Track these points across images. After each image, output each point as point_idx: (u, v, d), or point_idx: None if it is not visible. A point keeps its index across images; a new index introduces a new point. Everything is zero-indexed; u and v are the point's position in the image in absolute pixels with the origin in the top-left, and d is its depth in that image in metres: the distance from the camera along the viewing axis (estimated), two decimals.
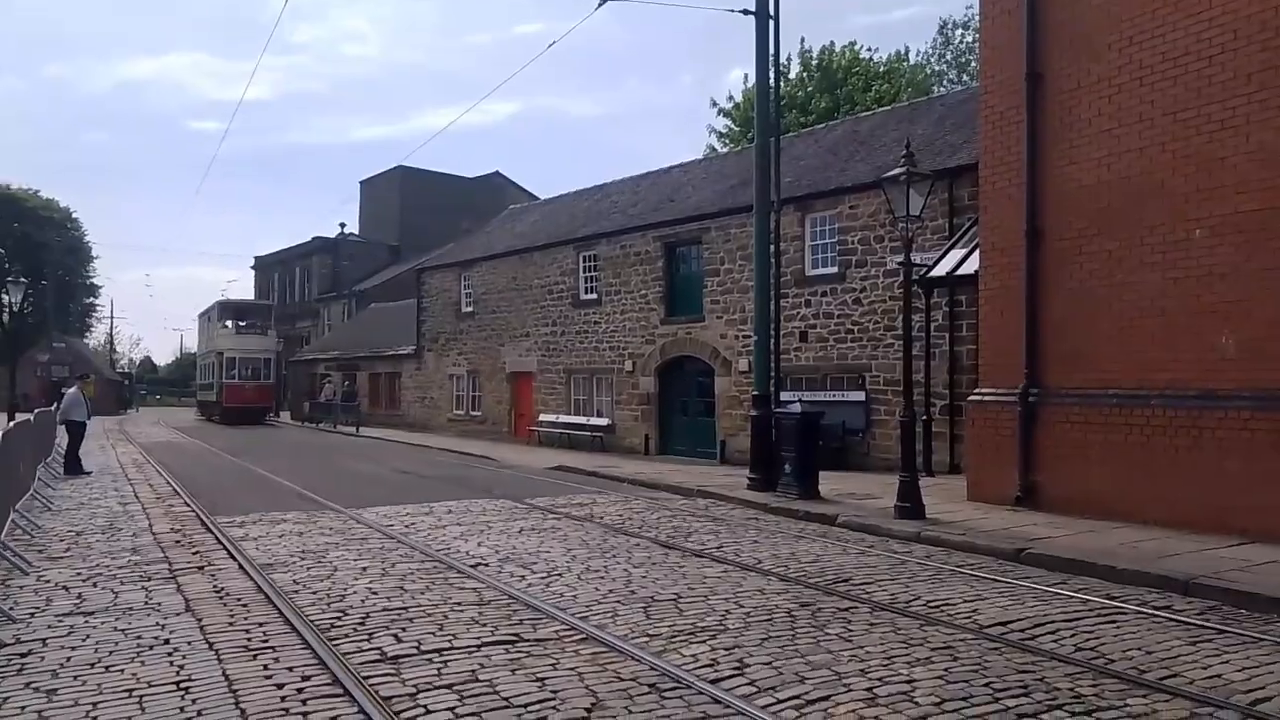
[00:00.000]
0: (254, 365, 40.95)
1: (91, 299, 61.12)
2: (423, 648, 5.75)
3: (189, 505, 12.39)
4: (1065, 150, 11.34)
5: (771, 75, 15.11)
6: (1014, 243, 11.82)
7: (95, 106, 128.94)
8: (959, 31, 41.57)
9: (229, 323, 42.59)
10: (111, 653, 5.63)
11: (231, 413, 38.92)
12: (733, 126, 39.01)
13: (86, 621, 6.35)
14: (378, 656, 5.58)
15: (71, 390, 17.57)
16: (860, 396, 17.51)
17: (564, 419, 25.20)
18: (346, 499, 12.96)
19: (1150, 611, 6.82)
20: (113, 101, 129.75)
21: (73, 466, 16.43)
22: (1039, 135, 11.59)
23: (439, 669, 5.34)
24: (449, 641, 5.88)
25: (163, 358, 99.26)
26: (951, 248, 15.28)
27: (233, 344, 41.15)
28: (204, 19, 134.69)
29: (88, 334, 67.11)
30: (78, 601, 6.93)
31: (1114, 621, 6.54)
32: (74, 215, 56.03)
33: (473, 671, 5.29)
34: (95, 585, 7.49)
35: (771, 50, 14.74)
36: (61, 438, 17.50)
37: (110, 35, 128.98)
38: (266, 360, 41.88)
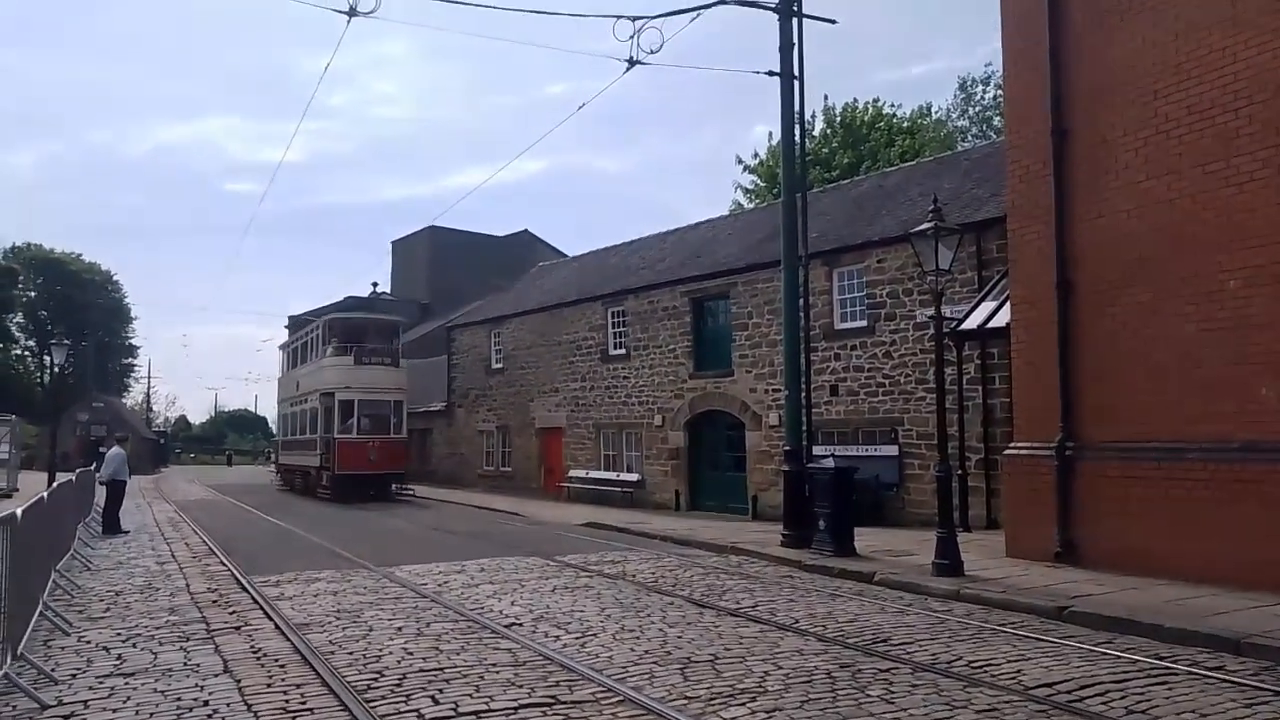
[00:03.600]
0: (379, 411, 27.24)
1: (130, 359, 62.53)
2: (460, 710, 5.72)
3: (224, 564, 12.47)
4: (1094, 203, 11.36)
5: (797, 133, 15.33)
6: (1044, 295, 11.79)
7: (133, 169, 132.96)
8: (980, 88, 42.01)
9: (341, 348, 28.02)
10: (153, 715, 5.66)
11: (348, 483, 25.70)
12: (759, 182, 39.44)
13: (127, 683, 6.39)
14: (416, 719, 5.56)
15: (114, 450, 17.81)
16: (893, 450, 17.37)
17: (594, 474, 25.16)
18: (379, 557, 12.98)
19: (1202, 672, 6.63)
20: (150, 164, 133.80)
21: (112, 525, 16.63)
22: (1066, 188, 11.63)
23: None
24: (486, 704, 5.85)
25: (197, 416, 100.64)
26: (982, 300, 15.26)
27: (348, 378, 26.95)
28: (236, 83, 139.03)
29: (125, 393, 68.38)
30: (118, 663, 6.98)
31: (1165, 683, 6.37)
32: (115, 278, 57.74)
33: None
34: (135, 646, 7.54)
35: (796, 108, 14.99)
36: (99, 496, 17.74)
37: (147, 99, 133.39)
38: (397, 404, 27.85)
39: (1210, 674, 6.59)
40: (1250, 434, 9.61)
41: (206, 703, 5.90)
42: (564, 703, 5.88)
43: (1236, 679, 6.45)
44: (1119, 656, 7.11)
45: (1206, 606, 8.49)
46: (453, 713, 5.67)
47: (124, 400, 68.20)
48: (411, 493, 27.35)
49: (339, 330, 29.05)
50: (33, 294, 58.24)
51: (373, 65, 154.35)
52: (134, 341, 65.92)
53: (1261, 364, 9.57)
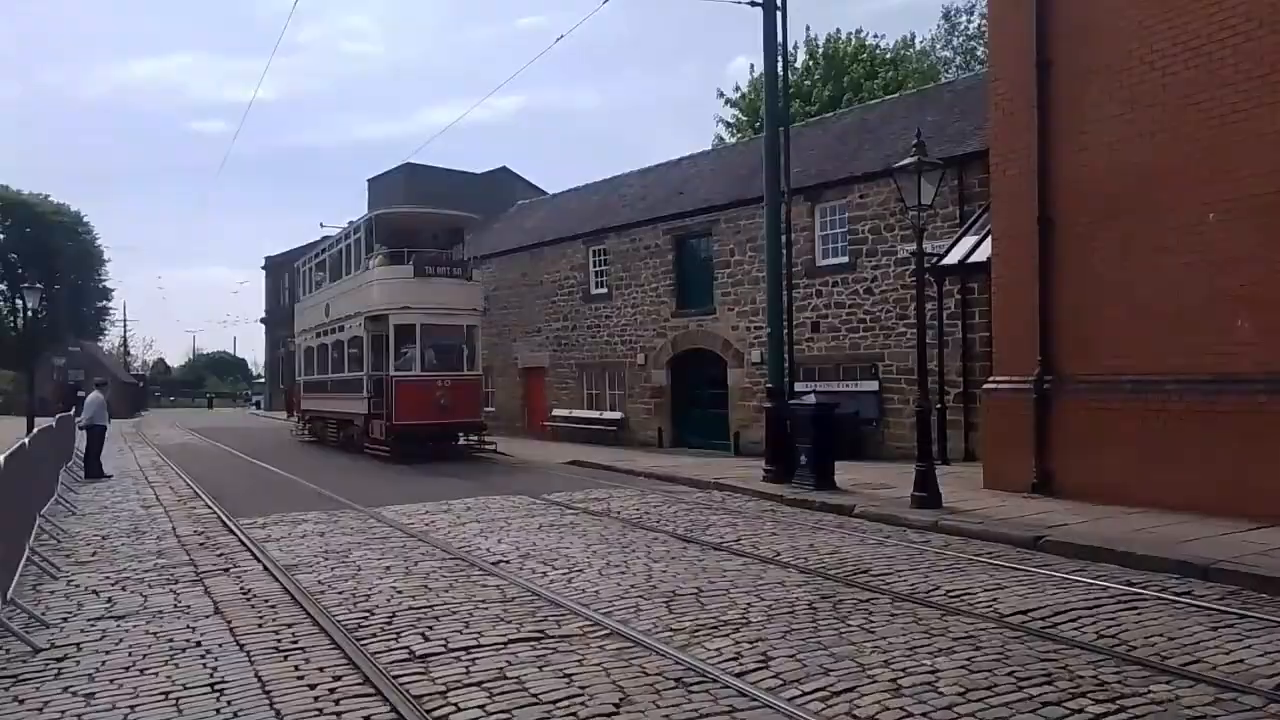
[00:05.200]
0: (449, 340, 20.62)
1: (104, 303, 61.69)
2: (450, 646, 5.83)
3: (210, 507, 12.51)
4: (1076, 137, 11.31)
5: (779, 65, 15.10)
6: (1025, 230, 11.81)
7: (95, 110, 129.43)
8: (964, 18, 41.35)
9: (393, 255, 20.60)
10: (145, 656, 5.73)
11: (410, 437, 19.25)
12: (740, 116, 38.92)
13: (118, 625, 6.45)
14: (406, 655, 5.66)
15: (93, 395, 17.67)
16: (874, 386, 17.53)
17: (577, 414, 25.28)
18: (365, 497, 13.06)
19: (1170, 597, 6.85)
20: (112, 105, 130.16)
21: (94, 470, 16.60)
22: (1049, 122, 11.56)
23: (467, 667, 5.42)
24: (476, 639, 5.96)
25: (175, 359, 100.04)
26: (963, 235, 15.26)
27: (407, 295, 19.80)
28: (199, 19, 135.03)
29: (101, 337, 67.66)
30: (108, 605, 7.03)
31: (1134, 608, 6.57)
32: (85, 219, 56.52)
33: (501, 669, 5.37)
34: (124, 589, 7.60)
35: (779, 40, 14.73)
36: (80, 441, 17.68)
37: (106, 38, 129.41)
38: (470, 330, 21.18)
39: (1178, 599, 6.80)
40: (1225, 367, 9.77)
41: (199, 644, 5.97)
42: (552, 637, 6.00)
43: (1203, 603, 6.66)
44: (1091, 583, 7.31)
45: (1177, 534, 8.73)
46: (443, 649, 5.77)
47: (100, 344, 67.54)
48: (494, 447, 20.86)
49: (389, 231, 21.38)
50: (1, 236, 57.11)
51: None
52: (108, 284, 65.01)
53: (1238, 297, 9.68)
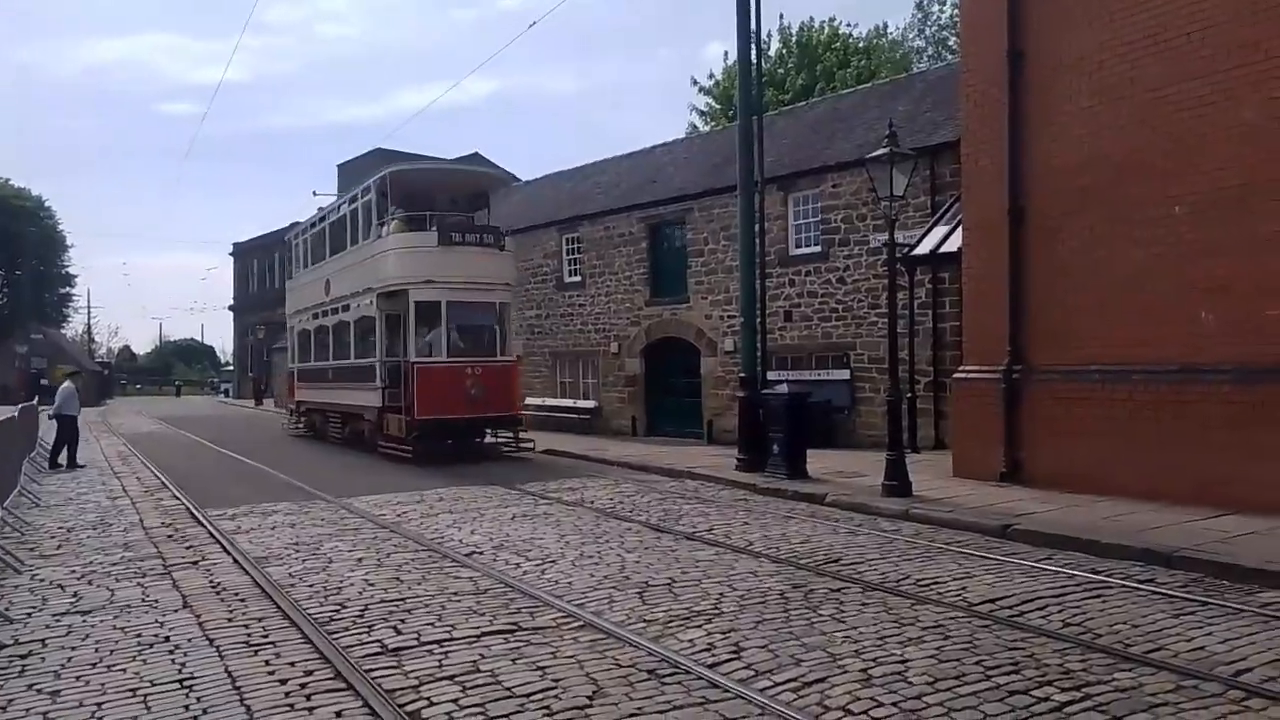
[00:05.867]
0: (478, 320, 17.83)
1: (68, 289, 60.49)
2: (423, 639, 5.81)
3: (178, 498, 12.36)
4: (1047, 128, 11.40)
5: (754, 53, 15.08)
6: (996, 221, 11.90)
7: (62, 91, 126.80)
8: (936, 7, 41.51)
9: (413, 220, 17.78)
10: (112, 651, 5.66)
11: (434, 433, 16.53)
12: (714, 104, 38.87)
13: (84, 620, 6.36)
14: (378, 649, 5.64)
15: (65, 385, 17.46)
16: (845, 375, 17.63)
17: (550, 402, 25.21)
18: (336, 487, 12.97)
19: (1135, 585, 6.97)
20: (80, 86, 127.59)
21: (56, 461, 16.39)
22: (1020, 113, 11.64)
23: (440, 660, 5.41)
24: (448, 632, 5.94)
25: (141, 347, 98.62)
26: (934, 225, 15.36)
27: (430, 267, 16.99)
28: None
29: (65, 324, 66.43)
30: (74, 600, 6.93)
31: (1100, 596, 6.68)
32: (47, 204, 55.40)
33: (474, 662, 5.36)
34: (91, 583, 7.49)
35: (753, 28, 14.71)
36: (46, 431, 17.41)
37: (73, 17, 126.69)
38: (503, 309, 18.26)
39: (1142, 586, 6.93)
40: (1190, 358, 9.92)
41: (168, 638, 5.91)
42: (525, 629, 6.00)
43: (1166, 590, 6.79)
44: (1058, 571, 7.43)
45: (1142, 522, 8.88)
46: (415, 642, 5.75)
47: (64, 331, 66.35)
48: (532, 445, 17.63)
49: (404, 192, 18.12)
50: None
51: None
52: (71, 270, 63.83)
53: (1204, 289, 9.83)
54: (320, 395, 22.32)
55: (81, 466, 16.41)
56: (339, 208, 20.96)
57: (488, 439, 17.93)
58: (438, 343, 16.96)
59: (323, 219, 22.34)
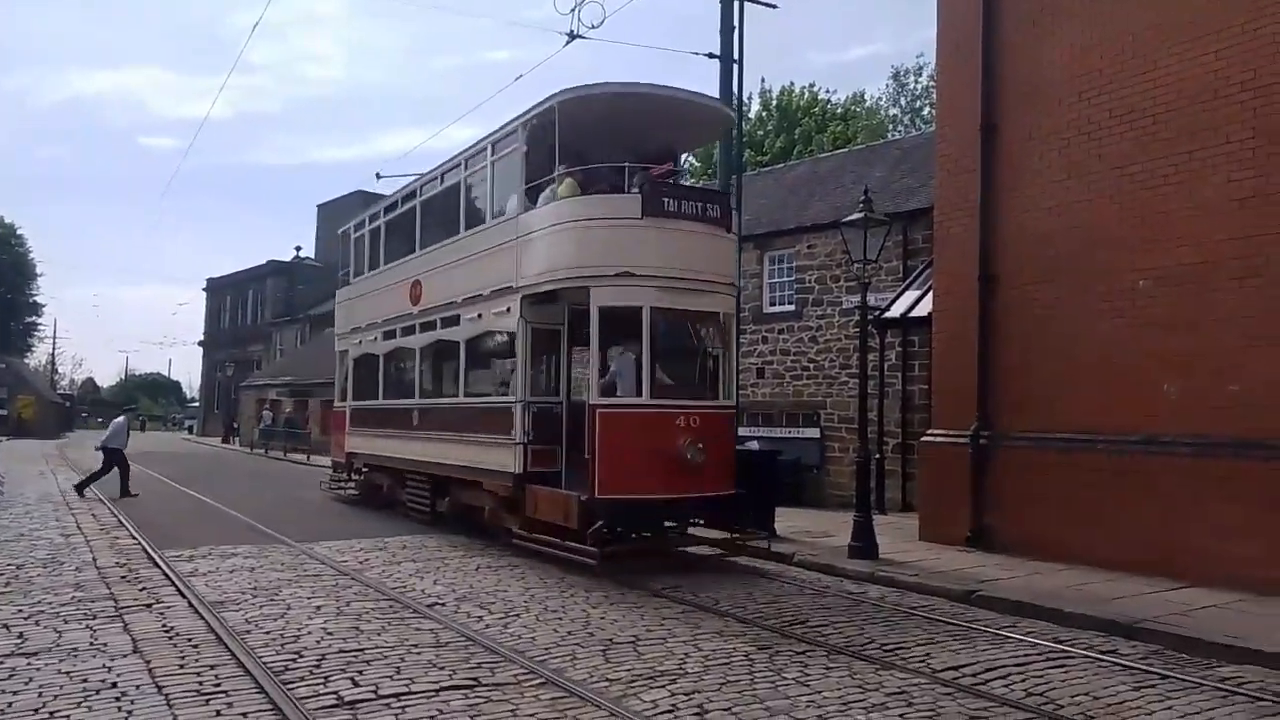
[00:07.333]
0: (693, 339, 11.06)
1: (34, 318, 59.73)
2: (380, 692, 5.68)
3: (134, 538, 12.07)
4: (1018, 199, 11.70)
5: (735, 117, 15.36)
6: (967, 287, 12.12)
7: (47, 120, 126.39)
8: (912, 78, 42.74)
9: (596, 177, 11.05)
10: (57, 697, 5.47)
11: (627, 515, 10.32)
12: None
13: (29, 664, 6.15)
14: (334, 701, 5.50)
15: (118, 419, 18.95)
16: (815, 433, 17.73)
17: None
18: (297, 532, 12.73)
19: (1096, 655, 6.98)
20: (65, 115, 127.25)
21: (121, 489, 17.51)
22: (992, 183, 11.95)
23: (397, 715, 5.28)
24: (407, 686, 5.81)
25: (107, 379, 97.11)
26: (906, 289, 15.62)
27: (639, 255, 10.27)
28: (159, 32, 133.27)
29: (28, 354, 65.35)
30: (19, 642, 6.71)
31: (1062, 666, 6.68)
32: (19, 232, 54.92)
33: (432, 718, 5.24)
34: (37, 624, 7.26)
35: (735, 92, 15.02)
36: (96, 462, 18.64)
37: (63, 48, 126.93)
38: (724, 320, 11.20)
39: (1104, 657, 6.94)
40: (1153, 428, 10.09)
41: (114, 684, 5.72)
42: (485, 685, 5.89)
43: (1127, 662, 6.81)
44: (1021, 640, 7.43)
45: (1105, 592, 8.93)
46: (373, 695, 5.62)
47: (27, 361, 65.19)
48: (767, 544, 11.37)
49: (575, 131, 10.86)
50: None
51: (304, 22, 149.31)
52: (39, 299, 63.03)
53: (1165, 362, 10.03)
54: (393, 447, 15.44)
55: (135, 495, 17.32)
56: (441, 177, 14.17)
57: (689, 529, 11.40)
58: (628, 373, 10.52)
59: (411, 195, 15.38)
